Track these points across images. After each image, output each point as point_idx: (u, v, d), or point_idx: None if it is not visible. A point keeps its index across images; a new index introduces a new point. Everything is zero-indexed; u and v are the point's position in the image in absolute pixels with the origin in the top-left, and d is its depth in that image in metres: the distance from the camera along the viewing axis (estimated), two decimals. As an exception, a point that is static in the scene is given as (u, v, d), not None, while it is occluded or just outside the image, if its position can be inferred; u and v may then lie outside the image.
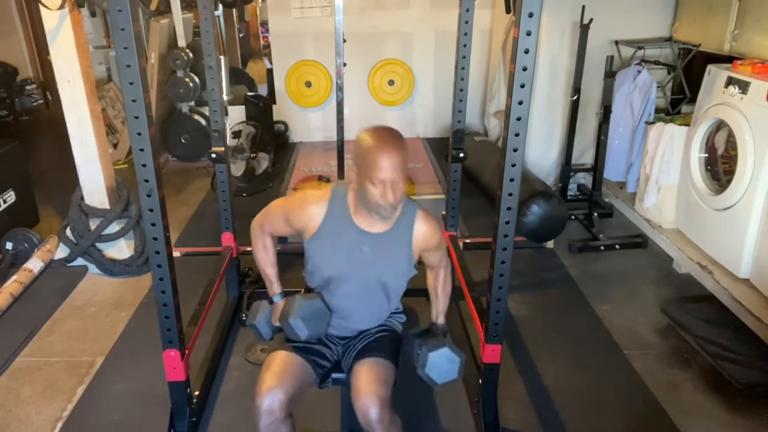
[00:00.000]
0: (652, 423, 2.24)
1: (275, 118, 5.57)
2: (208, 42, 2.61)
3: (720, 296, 2.88)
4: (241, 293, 3.01)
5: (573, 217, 3.84)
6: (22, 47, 7.25)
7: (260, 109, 5.25)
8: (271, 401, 1.64)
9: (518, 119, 1.62)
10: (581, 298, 3.07)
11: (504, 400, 2.14)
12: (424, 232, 1.78)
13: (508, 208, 1.73)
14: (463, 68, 2.66)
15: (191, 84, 4.95)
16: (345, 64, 3.17)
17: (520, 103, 1.60)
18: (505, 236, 1.77)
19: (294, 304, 1.77)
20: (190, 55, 4.94)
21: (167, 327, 1.90)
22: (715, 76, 3.08)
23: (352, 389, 1.70)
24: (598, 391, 2.40)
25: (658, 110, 3.73)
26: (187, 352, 2.02)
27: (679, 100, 3.73)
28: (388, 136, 1.62)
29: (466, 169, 3.87)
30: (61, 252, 3.40)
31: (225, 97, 4.46)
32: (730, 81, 2.91)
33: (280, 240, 3.23)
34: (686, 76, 3.68)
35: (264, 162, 4.69)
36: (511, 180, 1.70)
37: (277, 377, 1.68)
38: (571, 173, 4.11)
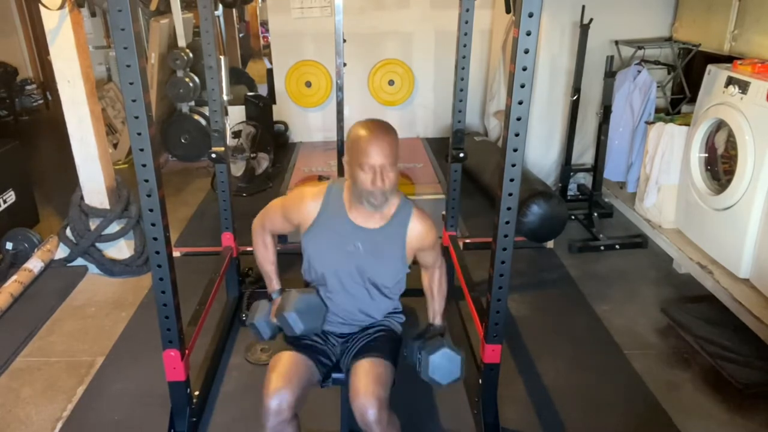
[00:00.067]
0: (652, 423, 2.24)
1: (275, 118, 5.57)
2: (208, 42, 2.61)
3: (720, 296, 2.88)
4: (241, 293, 3.01)
5: (573, 217, 3.84)
6: (22, 47, 7.25)
7: (260, 109, 5.25)
8: (279, 402, 1.64)
9: (518, 119, 1.62)
10: (581, 298, 3.07)
11: (504, 400, 2.14)
12: (419, 231, 1.79)
13: (508, 208, 1.73)
14: (463, 68, 2.66)
15: (191, 84, 4.95)
16: (345, 64, 3.17)
17: (520, 103, 1.60)
18: (505, 236, 1.77)
19: (290, 298, 1.78)
20: (190, 55, 4.94)
21: (167, 327, 1.90)
22: (715, 76, 3.08)
23: (350, 389, 1.70)
24: (598, 391, 2.40)
25: (658, 110, 3.73)
26: (187, 352, 2.02)
27: (679, 100, 3.73)
28: (377, 124, 1.69)
29: (466, 169, 3.87)
30: (61, 252, 3.40)
31: (225, 97, 4.47)
32: (730, 81, 2.91)
33: (281, 240, 3.24)
34: (686, 76, 3.68)
35: (264, 162, 4.69)
36: (511, 180, 1.70)
37: (284, 378, 1.69)
38: (571, 173, 4.11)
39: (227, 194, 2.81)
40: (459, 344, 1.95)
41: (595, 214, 3.84)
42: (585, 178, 4.29)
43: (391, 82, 5.54)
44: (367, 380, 1.68)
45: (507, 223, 1.75)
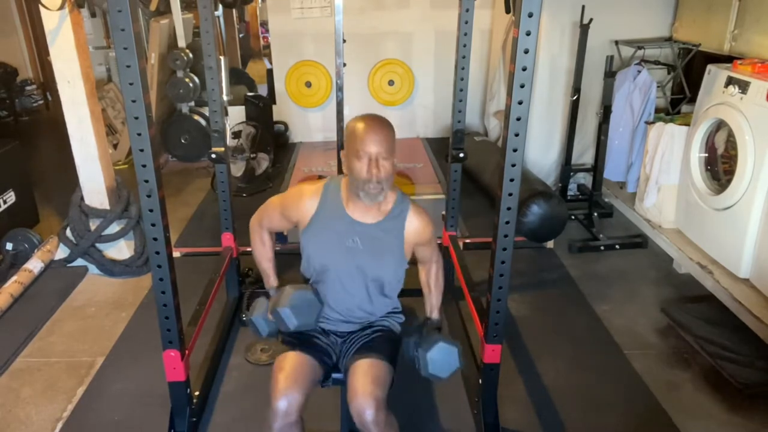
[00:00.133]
0: (652, 423, 2.24)
1: (275, 118, 5.57)
2: (208, 42, 2.61)
3: (720, 296, 2.88)
4: (241, 293, 3.01)
5: (573, 217, 3.84)
6: (22, 48, 7.26)
7: (260, 109, 5.25)
8: (288, 403, 1.64)
9: (518, 119, 1.62)
10: (581, 298, 3.07)
11: (504, 400, 2.14)
12: (416, 226, 1.81)
13: (508, 208, 1.73)
14: (463, 68, 2.66)
15: (191, 84, 4.95)
16: (345, 65, 3.17)
17: (520, 103, 1.60)
18: (505, 236, 1.77)
19: (284, 294, 1.78)
20: (190, 55, 4.94)
21: (167, 327, 1.90)
22: (715, 75, 3.08)
23: (348, 390, 1.70)
24: (598, 391, 2.40)
25: (658, 110, 3.73)
26: (187, 352, 2.02)
27: (679, 99, 3.73)
28: (374, 117, 1.73)
29: (466, 169, 3.87)
30: (61, 252, 3.40)
31: (225, 98, 4.47)
32: (730, 81, 2.92)
33: (280, 239, 3.24)
34: (686, 76, 3.68)
35: (264, 162, 4.69)
36: (511, 180, 1.70)
37: (291, 378, 1.69)
38: (571, 173, 4.11)
39: (227, 194, 2.81)
40: (459, 344, 1.94)
41: (595, 214, 3.84)
42: (585, 178, 4.29)
43: (391, 82, 5.54)
44: (365, 381, 1.68)
45: (507, 223, 1.75)
